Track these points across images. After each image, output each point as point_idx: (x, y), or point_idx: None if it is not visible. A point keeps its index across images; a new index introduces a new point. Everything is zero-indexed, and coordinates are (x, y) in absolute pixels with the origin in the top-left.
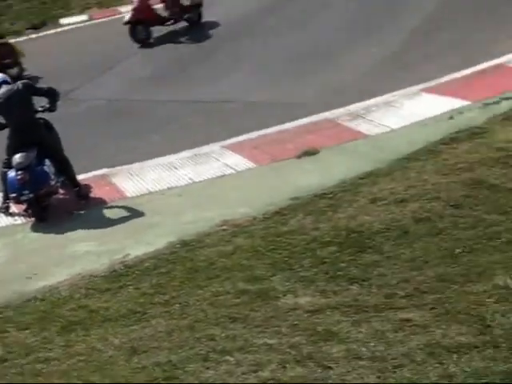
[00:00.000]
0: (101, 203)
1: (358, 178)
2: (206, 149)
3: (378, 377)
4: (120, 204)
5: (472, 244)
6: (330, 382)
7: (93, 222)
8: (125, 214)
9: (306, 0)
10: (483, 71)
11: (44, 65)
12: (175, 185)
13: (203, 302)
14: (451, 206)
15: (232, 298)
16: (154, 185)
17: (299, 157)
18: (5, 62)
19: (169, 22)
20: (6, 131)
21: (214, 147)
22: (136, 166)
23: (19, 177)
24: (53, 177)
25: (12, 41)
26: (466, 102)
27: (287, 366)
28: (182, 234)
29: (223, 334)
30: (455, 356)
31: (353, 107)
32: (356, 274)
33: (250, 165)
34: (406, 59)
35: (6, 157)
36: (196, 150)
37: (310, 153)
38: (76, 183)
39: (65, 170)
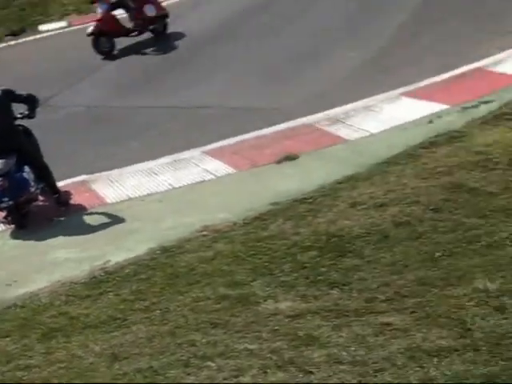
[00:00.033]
0: (81, 210)
1: (338, 183)
2: (185, 154)
3: (359, 381)
4: (100, 210)
5: (452, 248)
6: None
7: (73, 228)
8: (105, 220)
9: (284, 4)
10: (462, 75)
11: (23, 71)
12: (155, 191)
13: (184, 307)
14: (431, 209)
15: (212, 303)
16: (133, 191)
17: (279, 162)
18: None
19: (133, 34)
20: None
21: (194, 153)
22: (115, 172)
23: None
24: (32, 184)
25: None
26: (444, 106)
27: (268, 371)
28: (162, 240)
29: (204, 340)
30: (436, 359)
31: (332, 112)
32: (336, 279)
33: (230, 170)
34: (385, 63)
35: None
36: (175, 156)
37: (290, 158)
38: (56, 190)
39: (44, 176)
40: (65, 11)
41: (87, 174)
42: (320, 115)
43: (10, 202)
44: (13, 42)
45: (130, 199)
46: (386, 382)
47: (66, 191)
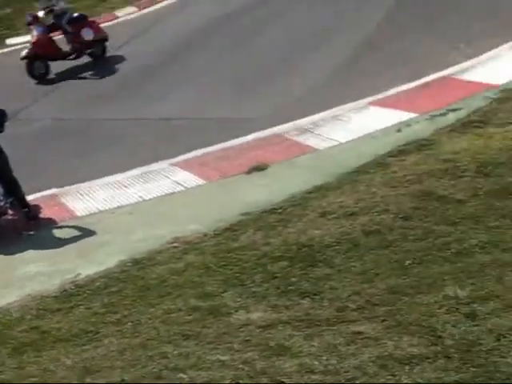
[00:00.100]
0: (51, 223)
1: (308, 193)
2: (155, 166)
3: None
4: (70, 224)
5: (422, 255)
6: None
7: (43, 242)
8: (75, 233)
9: (256, 14)
10: (429, 83)
11: None
12: (125, 203)
13: (155, 319)
14: (400, 218)
15: (184, 315)
16: (103, 204)
17: (248, 172)
18: None
19: (70, 57)
20: None
21: (163, 165)
22: (85, 185)
23: None
24: (1, 198)
25: None
26: (413, 115)
27: (240, 381)
28: (132, 253)
29: (176, 352)
30: (407, 367)
31: (300, 122)
32: (307, 288)
33: (200, 181)
34: (353, 73)
35: None
36: (145, 168)
37: (259, 168)
38: (25, 204)
39: (13, 190)
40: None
41: (57, 187)
42: (289, 125)
43: None
44: None
45: (100, 212)
46: None
47: (35, 205)
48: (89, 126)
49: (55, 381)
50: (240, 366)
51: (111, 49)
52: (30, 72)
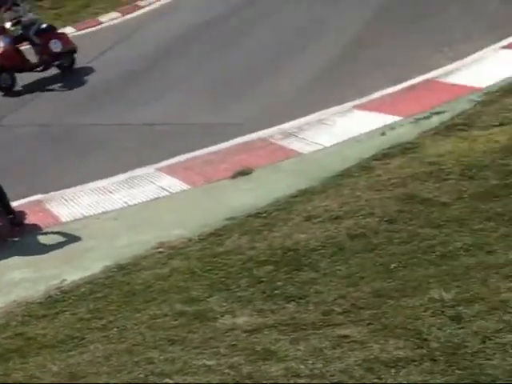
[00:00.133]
0: (36, 229)
1: (293, 197)
2: (139, 172)
3: None
4: (55, 230)
5: (407, 258)
6: None
7: (28, 248)
8: (60, 239)
9: (238, 18)
10: (413, 87)
11: None
12: (110, 209)
13: (141, 325)
14: (385, 221)
15: (170, 320)
16: (88, 209)
17: (233, 177)
18: None
19: (38, 69)
20: None
21: (148, 170)
22: (70, 191)
23: None
24: None
25: None
26: (397, 118)
27: None
28: (118, 258)
29: (162, 357)
30: (393, 371)
31: (285, 126)
32: (293, 292)
33: (185, 186)
34: (337, 76)
35: None
36: (130, 174)
37: (244, 173)
38: (10, 210)
39: None
40: None
41: (42, 193)
42: (274, 129)
43: None
44: None
45: (85, 218)
46: None
47: (20, 211)
48: (73, 131)
49: None
50: (226, 370)
51: (96, 53)
52: None
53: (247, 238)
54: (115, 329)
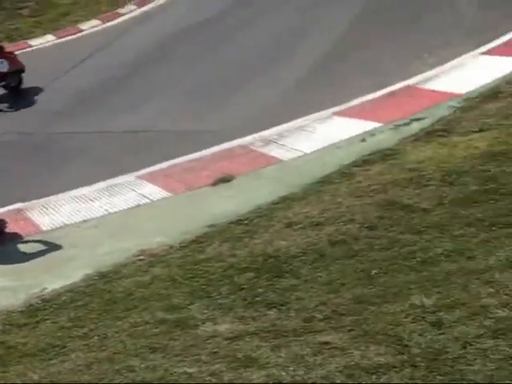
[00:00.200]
0: (16, 238)
1: (274, 203)
2: (120, 179)
3: None
4: (36, 238)
5: (388, 265)
6: None
7: (8, 257)
8: (41, 248)
9: (218, 26)
10: (393, 93)
11: None
12: (91, 217)
13: (122, 333)
14: (366, 227)
15: (151, 328)
16: (69, 217)
17: (214, 184)
18: None
19: None
20: None
21: (129, 178)
22: (51, 199)
23: None
24: None
25: None
26: (377, 124)
27: None
28: (98, 266)
29: (143, 365)
30: (374, 377)
31: (265, 133)
32: (274, 299)
33: (165, 194)
34: (317, 83)
35: None
36: (111, 181)
37: (225, 180)
38: None
39: None
40: None
41: (22, 201)
42: (254, 136)
43: None
44: None
45: (66, 226)
46: None
47: (0, 220)
48: (53, 140)
49: None
50: (207, 378)
51: (77, 61)
52: None
53: (228, 245)
54: (96, 337)
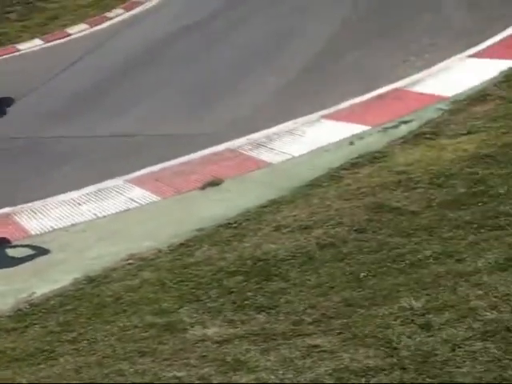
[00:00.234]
0: (4, 242)
1: (262, 207)
2: (109, 183)
3: None
4: (24, 243)
5: (376, 267)
6: None
7: None
8: (29, 252)
9: (207, 29)
10: (381, 96)
11: None
12: (79, 221)
13: (111, 337)
14: (355, 230)
15: (140, 331)
16: (57, 222)
17: (203, 188)
18: None
19: None
20: None
21: (118, 181)
22: (39, 203)
23: None
24: None
25: None
26: (365, 127)
27: None
28: (87, 270)
29: (132, 369)
30: (363, 380)
31: (254, 136)
32: (263, 303)
33: (154, 198)
34: (304, 87)
35: None
36: (99, 185)
37: (214, 183)
38: None
39: None
40: None
41: (10, 206)
42: (243, 140)
43: None
44: None
45: (54, 230)
46: None
47: None
48: (42, 144)
49: None
50: (196, 381)
51: (66, 64)
52: None
53: (217, 248)
54: (85, 341)
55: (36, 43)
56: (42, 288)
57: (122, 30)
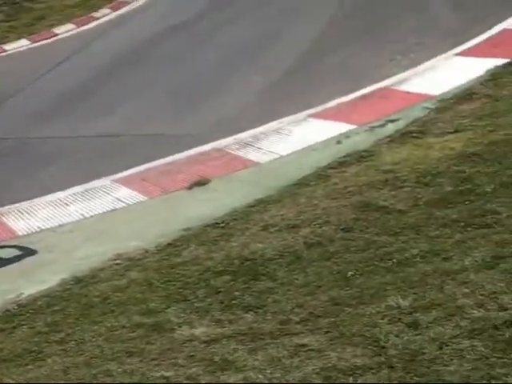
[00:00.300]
0: None
1: (250, 206)
2: (96, 183)
3: None
4: (11, 243)
5: (364, 266)
6: None
7: None
8: (16, 253)
9: (193, 29)
10: (368, 95)
11: None
12: (66, 221)
13: (99, 337)
14: (342, 229)
15: (128, 332)
16: (44, 222)
17: (190, 188)
18: None
19: None
20: None
21: (104, 182)
22: (26, 204)
23: None
24: None
25: None
26: (352, 126)
27: None
28: (75, 271)
29: (120, 369)
30: (351, 379)
31: (241, 136)
32: (251, 302)
33: (141, 198)
34: (291, 86)
35: None
36: (86, 186)
37: (201, 183)
38: None
39: None
40: None
41: None
42: (230, 139)
43: None
44: None
45: (42, 231)
46: None
47: None
48: (28, 144)
49: None
50: (184, 381)
51: (52, 65)
52: None
53: (204, 248)
54: (73, 342)
55: (23, 43)
56: (30, 289)
57: (108, 29)
